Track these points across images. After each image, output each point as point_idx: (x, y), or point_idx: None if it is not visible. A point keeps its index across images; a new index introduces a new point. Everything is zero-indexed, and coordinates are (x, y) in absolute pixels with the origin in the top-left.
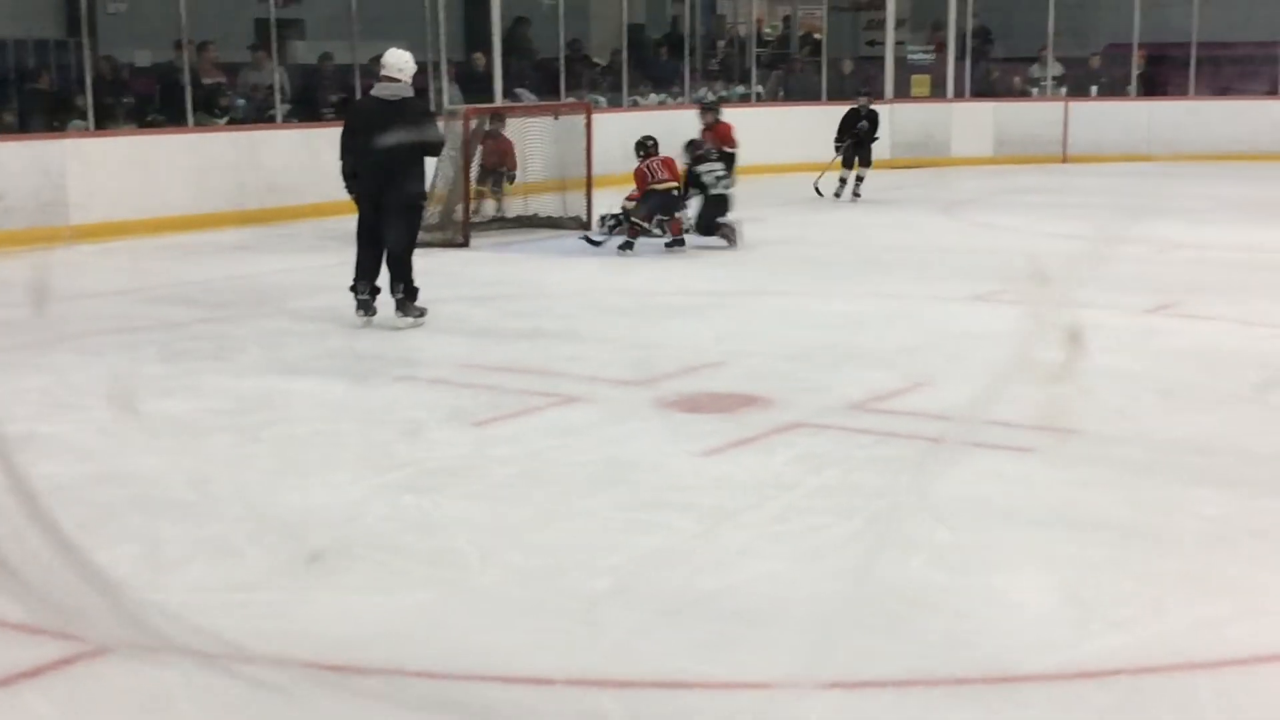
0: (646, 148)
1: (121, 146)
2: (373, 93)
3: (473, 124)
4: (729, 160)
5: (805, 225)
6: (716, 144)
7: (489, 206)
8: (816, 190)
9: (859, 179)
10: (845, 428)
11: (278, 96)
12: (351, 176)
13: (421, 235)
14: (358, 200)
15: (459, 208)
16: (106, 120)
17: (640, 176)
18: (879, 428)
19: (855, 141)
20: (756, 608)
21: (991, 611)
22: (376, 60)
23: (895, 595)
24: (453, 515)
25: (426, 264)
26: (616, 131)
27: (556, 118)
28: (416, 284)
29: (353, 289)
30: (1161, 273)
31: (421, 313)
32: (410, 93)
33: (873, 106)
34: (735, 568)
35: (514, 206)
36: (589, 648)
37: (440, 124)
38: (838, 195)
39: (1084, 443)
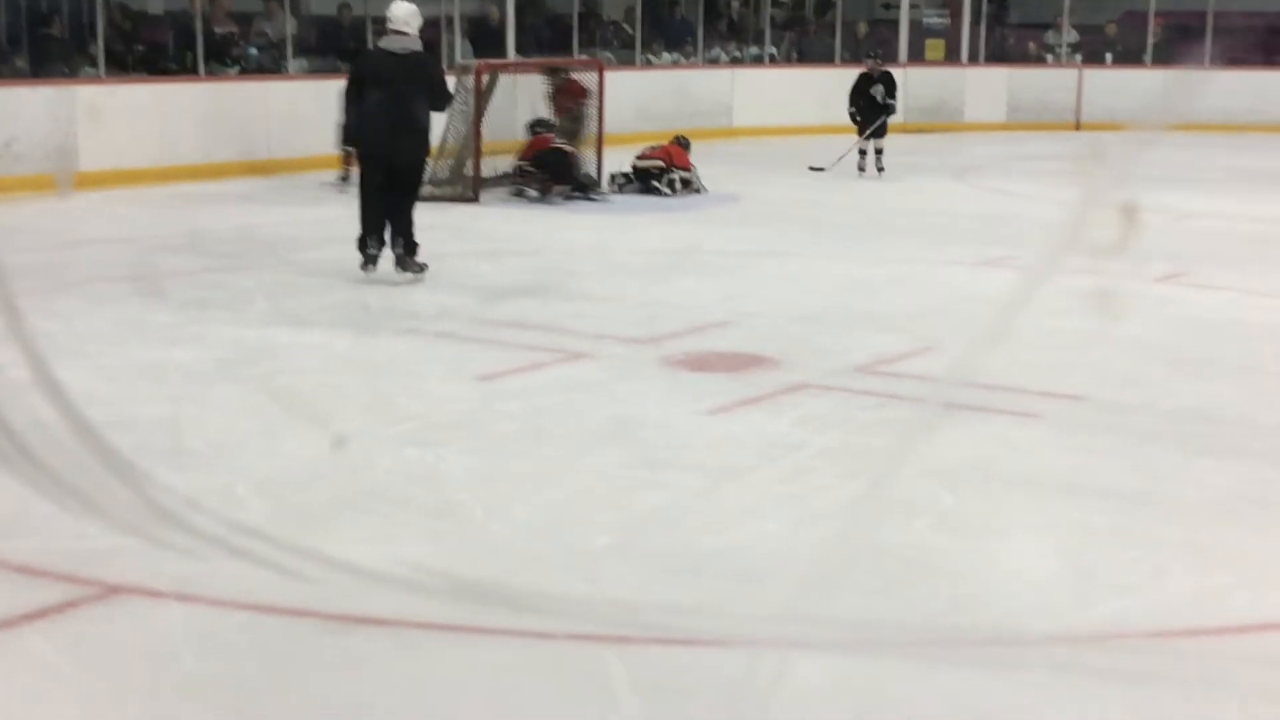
0: (545, 125)
1: (132, 94)
2: (380, 45)
3: (484, 79)
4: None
5: (816, 188)
6: (573, 102)
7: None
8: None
9: (878, 152)
10: (851, 390)
11: (290, 47)
12: (355, 130)
13: (432, 190)
14: (360, 155)
15: (469, 162)
16: (118, 68)
17: (542, 141)
18: (885, 390)
19: (871, 109)
20: (758, 567)
21: (994, 576)
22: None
23: (898, 558)
24: (457, 469)
25: (436, 218)
26: (628, 90)
27: (567, 72)
28: (417, 239)
29: (361, 244)
30: (1173, 242)
31: (421, 268)
32: (419, 46)
33: (886, 69)
34: (738, 527)
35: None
36: (590, 603)
37: (450, 80)
38: (861, 170)
39: (1091, 409)
